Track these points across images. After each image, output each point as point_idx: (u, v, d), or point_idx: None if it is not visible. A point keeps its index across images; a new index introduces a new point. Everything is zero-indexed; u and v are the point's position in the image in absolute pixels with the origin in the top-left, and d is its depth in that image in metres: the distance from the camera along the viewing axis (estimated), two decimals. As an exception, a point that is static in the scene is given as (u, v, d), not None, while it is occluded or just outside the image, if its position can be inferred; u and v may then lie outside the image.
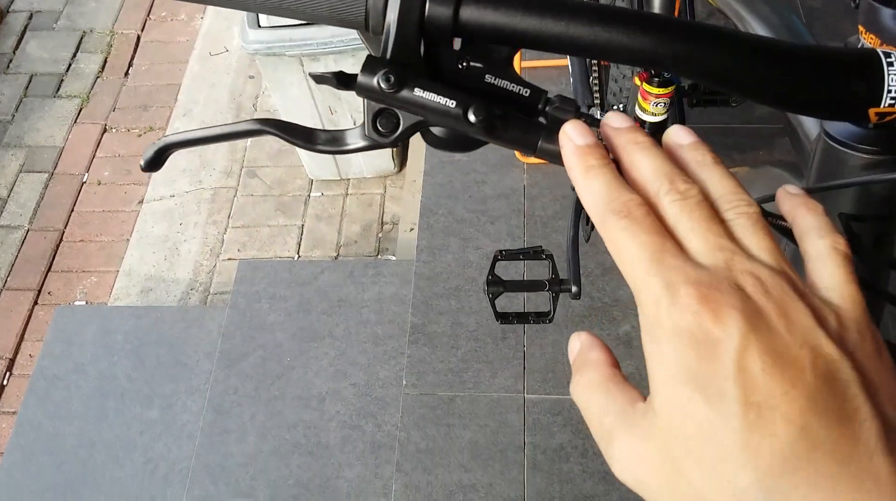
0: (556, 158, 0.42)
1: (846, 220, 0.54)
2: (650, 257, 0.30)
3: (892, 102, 0.41)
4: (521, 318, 1.26)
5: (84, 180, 2.65)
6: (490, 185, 1.78)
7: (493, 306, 1.25)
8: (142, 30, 3.06)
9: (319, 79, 0.46)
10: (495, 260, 1.26)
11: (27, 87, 2.90)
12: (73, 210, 2.59)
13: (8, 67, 2.97)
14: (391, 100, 0.42)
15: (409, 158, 2.39)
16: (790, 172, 0.65)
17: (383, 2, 0.41)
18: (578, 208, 1.29)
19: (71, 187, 2.64)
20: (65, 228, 2.55)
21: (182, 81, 2.84)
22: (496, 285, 1.24)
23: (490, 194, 1.76)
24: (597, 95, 1.34)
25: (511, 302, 1.59)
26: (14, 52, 3.01)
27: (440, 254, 1.69)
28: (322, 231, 2.36)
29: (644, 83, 1.09)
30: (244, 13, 1.97)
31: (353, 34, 1.88)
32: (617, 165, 0.36)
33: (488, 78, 0.43)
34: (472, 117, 0.41)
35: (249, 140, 2.61)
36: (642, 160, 0.35)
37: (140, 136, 2.74)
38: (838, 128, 0.50)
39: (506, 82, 0.43)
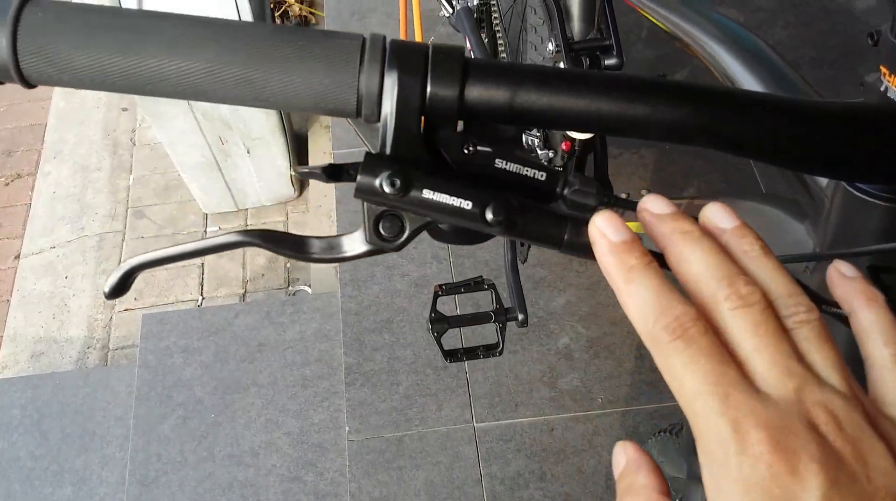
0: (585, 252, 0.37)
1: (876, 273, 0.50)
2: (713, 392, 0.27)
3: None
4: (470, 354, 1.21)
5: (-52, 240, 2.41)
6: (405, 206, 1.70)
7: (440, 344, 1.19)
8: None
9: (307, 175, 0.39)
10: (436, 296, 1.20)
11: None
12: (-61, 275, 2.34)
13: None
14: (397, 203, 0.36)
15: (309, 183, 2.28)
16: (785, 211, 0.60)
17: (378, 88, 0.35)
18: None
19: (-66, 250, 2.39)
20: (-67, 296, 2.31)
21: (47, 120, 2.63)
22: (440, 322, 1.17)
23: (407, 216, 1.69)
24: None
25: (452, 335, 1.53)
26: None
27: (365, 286, 1.61)
28: (225, 268, 2.23)
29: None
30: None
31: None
32: (657, 256, 0.32)
33: (499, 163, 0.38)
34: (490, 216, 0.36)
35: (132, 178, 2.44)
36: (692, 254, 0.30)
37: (7, 184, 2.52)
38: None
39: (518, 166, 0.38)
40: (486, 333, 1.48)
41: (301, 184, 2.28)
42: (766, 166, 1.75)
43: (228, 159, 2.12)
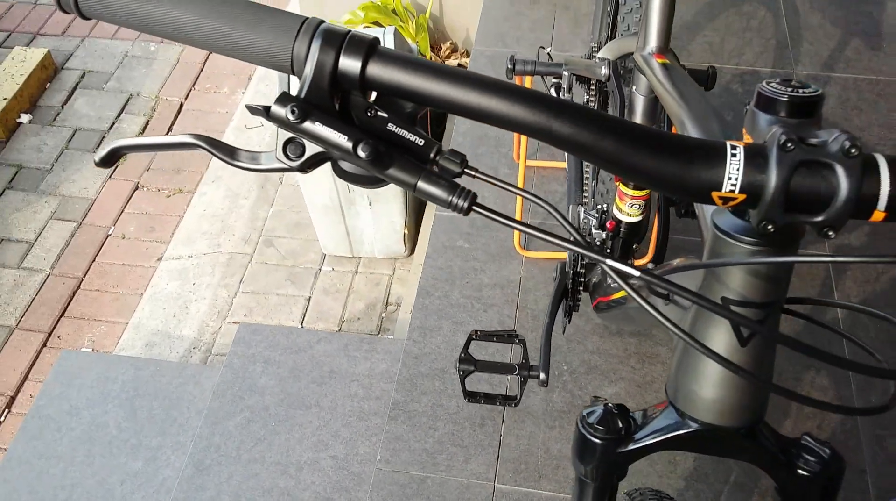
0: (432, 199, 0.49)
1: (728, 303, 0.58)
2: None
3: (732, 188, 0.47)
4: (489, 399, 1.29)
5: (109, 233, 2.76)
6: (488, 274, 1.83)
7: (463, 383, 1.29)
8: (185, 98, 3.22)
9: (253, 110, 0.53)
10: (470, 339, 1.30)
11: (70, 139, 3.05)
12: (94, 260, 2.68)
13: (55, 119, 3.13)
14: (295, 130, 0.49)
15: (419, 244, 2.45)
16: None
17: (305, 52, 0.49)
18: (557, 300, 1.33)
19: (96, 238, 2.74)
20: (84, 276, 2.64)
21: (216, 149, 2.97)
22: (467, 363, 1.27)
23: (487, 283, 1.81)
24: (586, 193, 1.40)
25: (480, 381, 1.61)
26: (62, 107, 3.18)
27: (431, 335, 1.73)
28: (328, 305, 2.41)
29: (620, 184, 1.15)
30: (280, 88, 2.09)
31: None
32: None
33: (391, 126, 0.50)
34: (360, 152, 0.48)
35: (271, 211, 2.71)
36: None
37: (169, 197, 2.86)
38: (723, 220, 0.54)
39: (405, 132, 0.50)
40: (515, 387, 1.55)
41: (412, 245, 2.46)
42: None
43: (352, 208, 2.33)
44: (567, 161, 1.56)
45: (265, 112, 0.49)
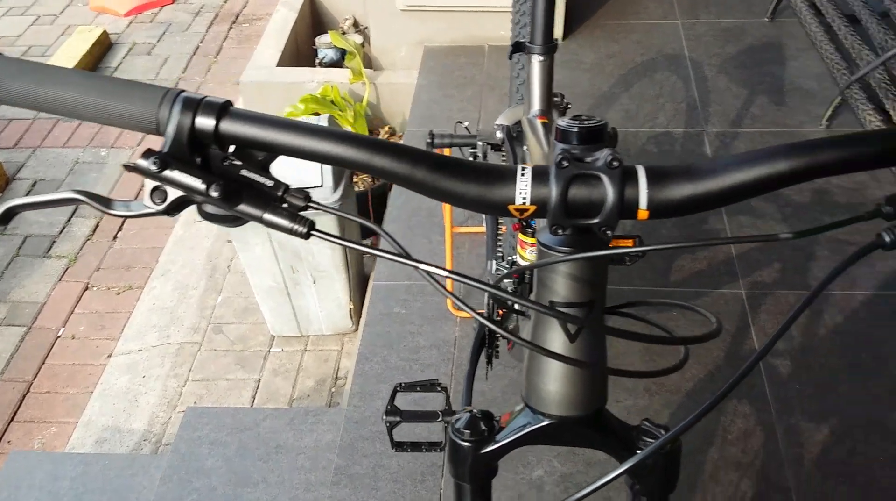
0: (277, 227, 0.56)
1: (553, 305, 0.65)
2: None
3: (524, 200, 0.55)
4: (415, 447, 1.33)
5: (59, 334, 2.77)
6: (424, 336, 1.89)
7: (391, 434, 1.33)
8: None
9: (128, 167, 0.59)
10: (395, 392, 1.35)
11: (20, 247, 3.10)
12: (43, 363, 2.69)
13: (5, 229, 3.18)
14: (157, 177, 0.56)
15: (363, 316, 2.51)
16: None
17: (167, 116, 0.57)
18: (478, 347, 1.39)
19: (45, 341, 2.75)
20: (33, 379, 2.64)
21: (165, 244, 3.04)
22: (394, 414, 1.32)
23: (423, 344, 1.87)
24: (500, 247, 1.49)
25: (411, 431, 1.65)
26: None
27: (370, 400, 1.77)
28: (277, 385, 2.44)
29: (520, 234, 1.24)
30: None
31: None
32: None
33: (244, 172, 0.58)
34: (212, 192, 0.55)
35: (219, 298, 2.75)
36: None
37: (119, 294, 2.89)
38: (544, 237, 0.62)
39: (256, 176, 0.58)
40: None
41: (359, 319, 2.51)
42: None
43: (297, 287, 2.39)
44: (485, 223, 1.64)
45: (135, 166, 0.57)
